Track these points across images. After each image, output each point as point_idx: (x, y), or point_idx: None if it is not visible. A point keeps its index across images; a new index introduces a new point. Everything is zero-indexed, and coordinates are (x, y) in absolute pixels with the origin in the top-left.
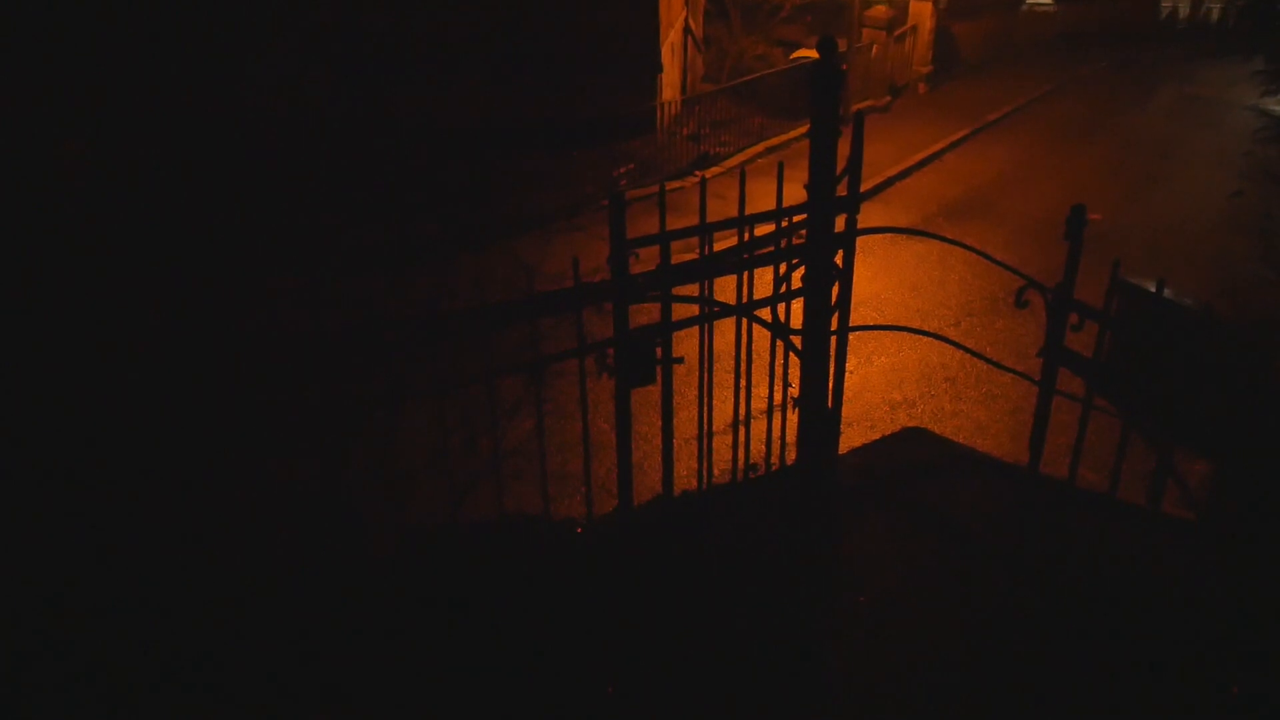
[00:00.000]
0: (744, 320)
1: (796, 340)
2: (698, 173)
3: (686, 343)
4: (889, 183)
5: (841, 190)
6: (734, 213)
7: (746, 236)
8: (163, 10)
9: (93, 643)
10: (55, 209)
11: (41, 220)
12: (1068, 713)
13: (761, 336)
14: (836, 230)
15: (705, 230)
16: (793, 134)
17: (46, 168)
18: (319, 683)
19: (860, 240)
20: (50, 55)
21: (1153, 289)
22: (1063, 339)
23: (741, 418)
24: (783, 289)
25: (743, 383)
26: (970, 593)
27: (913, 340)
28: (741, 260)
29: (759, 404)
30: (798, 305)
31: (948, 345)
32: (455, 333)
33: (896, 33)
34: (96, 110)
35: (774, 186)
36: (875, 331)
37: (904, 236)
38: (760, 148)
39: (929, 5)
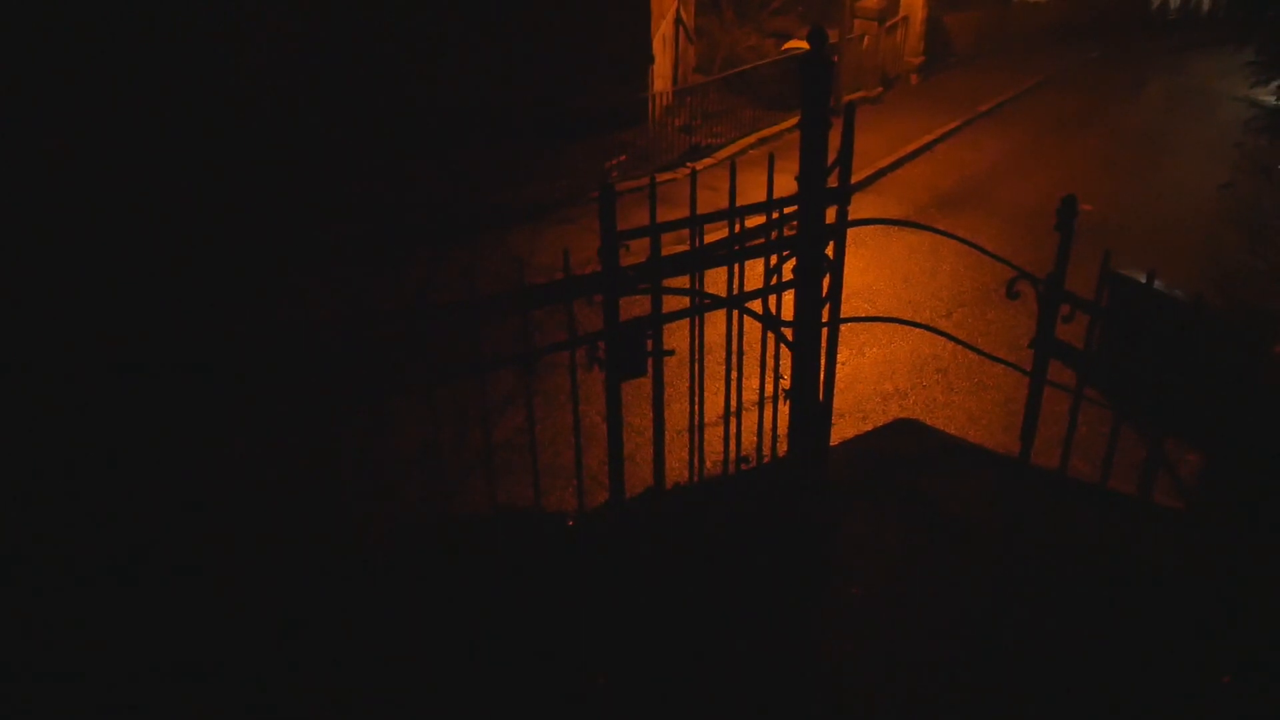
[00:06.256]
0: (735, 312)
1: (788, 332)
2: (689, 164)
3: (678, 335)
4: (881, 174)
5: (833, 181)
6: (726, 204)
7: (737, 228)
8: (145, 5)
9: (88, 637)
10: (39, 204)
11: (25, 215)
12: (1060, 702)
13: (753, 328)
14: (828, 221)
15: (696, 222)
16: (785, 125)
17: (30, 163)
18: (313, 676)
19: (852, 232)
20: (31, 50)
21: (1143, 280)
22: (1054, 330)
23: (733, 409)
24: (774, 281)
25: (734, 375)
26: (963, 583)
27: (905, 331)
28: (732, 252)
29: (750, 396)
30: (789, 297)
31: (940, 336)
32: (445, 325)
33: (888, 24)
34: (80, 104)
35: (766, 178)
36: (867, 323)
37: (896, 228)
38: (752, 139)
39: None
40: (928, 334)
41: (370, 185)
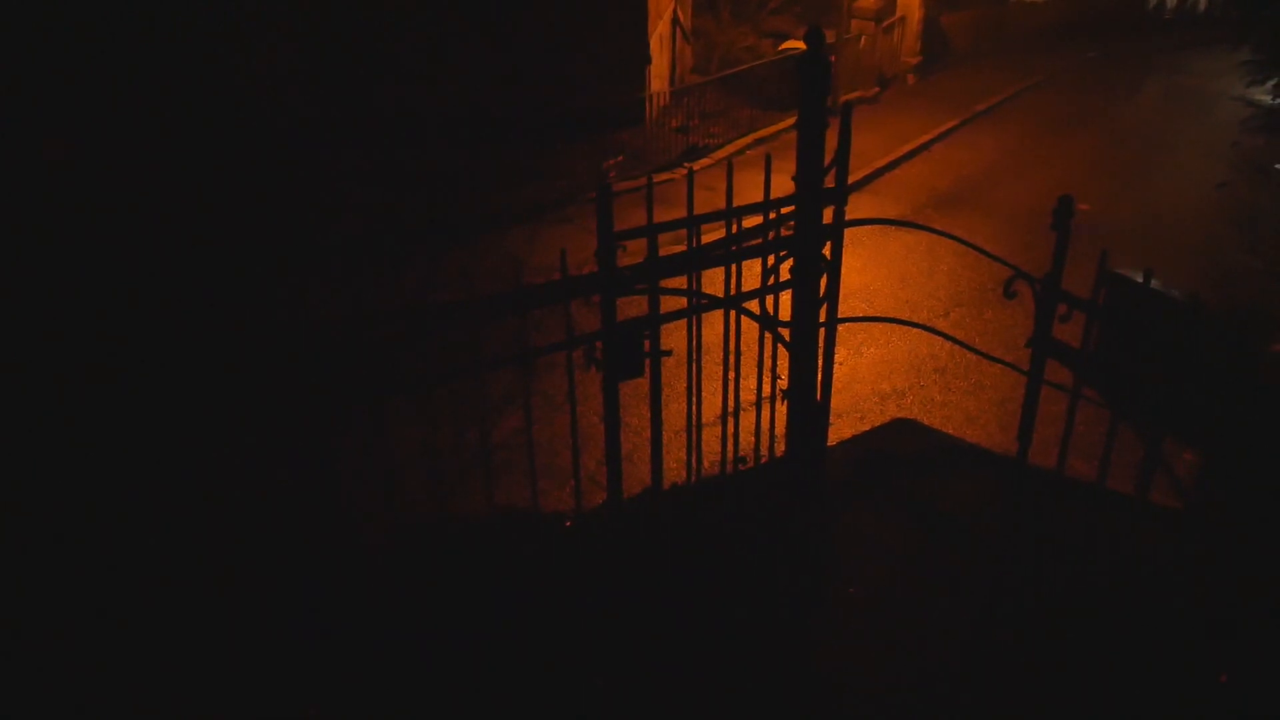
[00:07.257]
0: (732, 313)
1: (785, 332)
2: (686, 164)
3: (675, 335)
4: (878, 174)
5: (830, 182)
6: (723, 205)
7: (734, 229)
8: (145, 7)
9: (87, 637)
10: (39, 204)
11: (25, 215)
12: (1057, 702)
13: (750, 329)
14: (825, 222)
15: (693, 223)
16: (782, 125)
17: (30, 164)
18: (312, 678)
19: (849, 232)
20: (31, 50)
21: (1141, 279)
22: (1051, 329)
23: (731, 410)
24: (771, 281)
25: (731, 375)
26: (959, 583)
27: (902, 331)
28: (730, 252)
29: (748, 396)
30: (786, 297)
31: (937, 336)
32: (443, 326)
33: (885, 24)
34: (80, 105)
35: (763, 178)
36: (864, 323)
37: (893, 228)
38: (749, 139)
39: None
40: (925, 334)
41: (369, 185)
